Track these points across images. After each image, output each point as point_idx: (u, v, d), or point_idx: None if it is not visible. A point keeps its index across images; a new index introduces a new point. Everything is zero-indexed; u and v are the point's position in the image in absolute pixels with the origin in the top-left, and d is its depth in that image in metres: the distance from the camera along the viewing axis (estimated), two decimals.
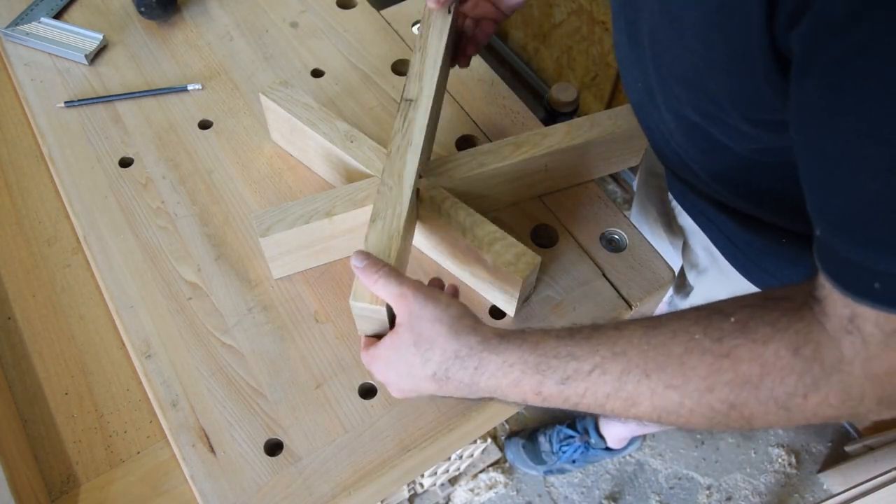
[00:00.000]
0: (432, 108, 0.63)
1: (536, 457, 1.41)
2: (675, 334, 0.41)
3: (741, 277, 0.67)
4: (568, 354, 0.44)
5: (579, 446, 1.40)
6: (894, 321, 0.34)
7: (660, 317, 0.43)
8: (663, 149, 0.61)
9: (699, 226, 0.69)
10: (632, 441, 1.42)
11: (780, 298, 0.40)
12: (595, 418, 1.40)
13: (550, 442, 1.41)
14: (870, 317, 0.35)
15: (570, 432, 1.41)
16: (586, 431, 1.40)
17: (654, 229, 0.84)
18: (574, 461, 1.41)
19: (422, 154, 0.61)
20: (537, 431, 1.44)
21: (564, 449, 1.40)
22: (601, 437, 1.39)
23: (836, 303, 0.36)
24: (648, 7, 0.47)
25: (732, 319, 0.40)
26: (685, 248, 0.80)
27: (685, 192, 0.68)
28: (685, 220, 0.74)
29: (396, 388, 0.51)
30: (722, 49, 0.40)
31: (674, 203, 0.76)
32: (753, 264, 0.65)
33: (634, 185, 0.93)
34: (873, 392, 0.37)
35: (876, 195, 0.32)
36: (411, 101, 0.63)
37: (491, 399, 0.48)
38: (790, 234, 0.58)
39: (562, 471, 1.43)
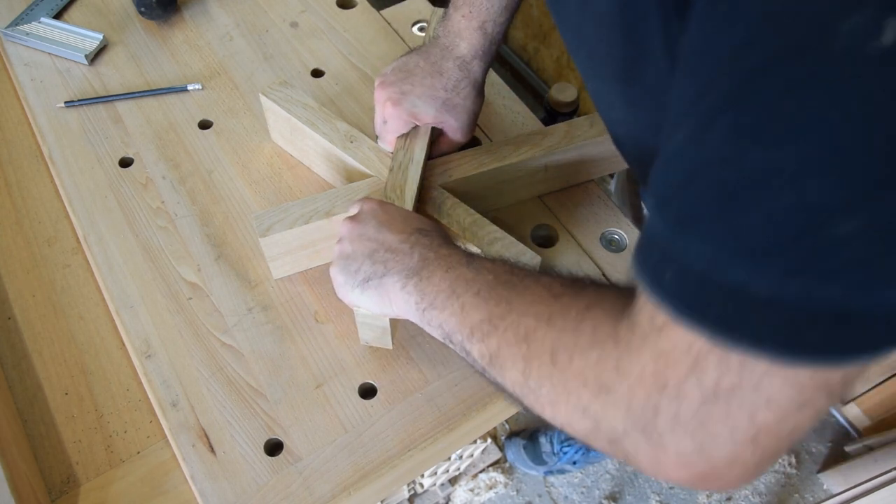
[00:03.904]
0: (432, 126, 0.65)
1: (537, 457, 1.41)
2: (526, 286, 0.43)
3: None
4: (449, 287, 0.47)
5: (580, 448, 1.40)
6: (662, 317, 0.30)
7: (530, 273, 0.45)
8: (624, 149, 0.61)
9: None
10: None
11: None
12: None
13: (551, 443, 1.41)
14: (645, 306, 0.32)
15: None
16: None
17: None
18: (575, 462, 1.41)
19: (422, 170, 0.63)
20: (538, 432, 1.44)
21: (565, 450, 1.40)
22: None
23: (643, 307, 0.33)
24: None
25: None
26: None
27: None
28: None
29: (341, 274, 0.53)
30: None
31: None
32: None
33: (612, 188, 0.93)
34: (629, 416, 0.33)
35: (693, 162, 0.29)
36: None
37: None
38: None
39: (562, 471, 1.43)
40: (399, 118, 0.64)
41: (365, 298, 0.52)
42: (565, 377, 0.37)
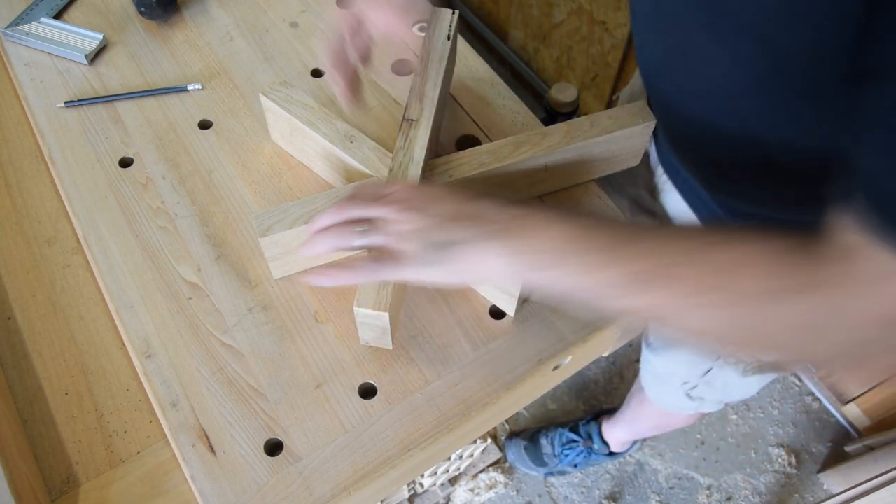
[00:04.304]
0: (432, 127, 0.65)
1: (538, 458, 1.41)
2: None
3: None
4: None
5: (582, 451, 1.39)
6: None
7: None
8: (682, 111, 0.58)
9: (689, 203, 0.68)
10: (633, 444, 1.42)
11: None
12: (599, 424, 1.40)
13: (552, 444, 1.41)
14: None
15: (574, 436, 1.41)
16: (590, 437, 1.40)
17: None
18: (576, 465, 1.41)
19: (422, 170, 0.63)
20: (539, 433, 1.44)
21: (566, 453, 1.40)
22: (604, 442, 1.39)
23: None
24: None
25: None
26: None
27: (679, 168, 0.67)
28: (670, 198, 0.72)
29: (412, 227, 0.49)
30: None
31: (661, 180, 0.73)
32: None
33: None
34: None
35: None
36: (412, 121, 0.65)
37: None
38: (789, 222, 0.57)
39: (562, 473, 1.43)
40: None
41: (441, 270, 0.48)
42: (767, 318, 0.40)
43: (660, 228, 0.46)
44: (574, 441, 1.40)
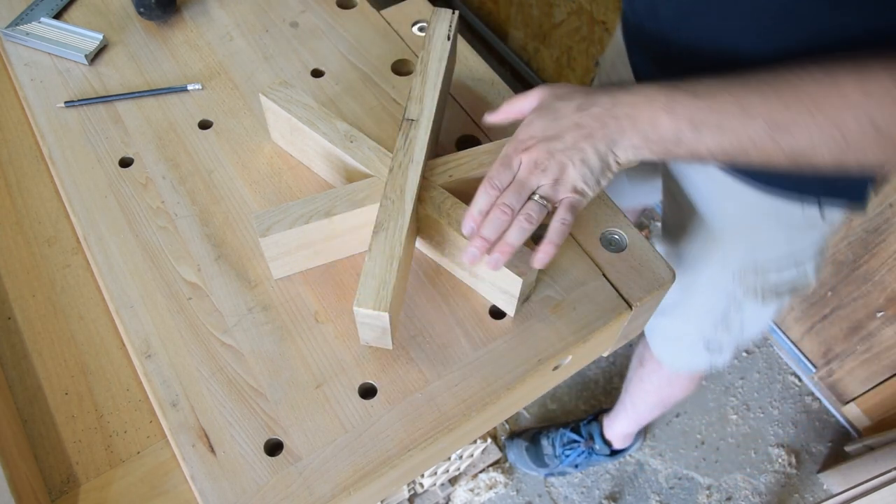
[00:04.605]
0: (432, 127, 0.66)
1: (539, 459, 1.41)
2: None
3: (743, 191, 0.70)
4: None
5: (583, 451, 1.40)
6: None
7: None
8: (683, 36, 0.62)
9: None
10: (635, 439, 1.42)
11: None
12: (600, 423, 1.40)
13: (553, 445, 1.41)
14: None
15: (575, 437, 1.41)
16: (591, 437, 1.40)
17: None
18: (577, 465, 1.41)
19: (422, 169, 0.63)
20: (540, 434, 1.44)
21: (568, 453, 1.40)
22: (606, 442, 1.39)
23: None
24: None
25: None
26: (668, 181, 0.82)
27: None
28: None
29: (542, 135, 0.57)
30: None
31: None
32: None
33: None
34: None
35: None
36: (413, 121, 0.65)
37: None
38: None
39: (563, 473, 1.43)
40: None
41: (607, 174, 0.57)
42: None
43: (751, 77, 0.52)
44: (575, 441, 1.40)
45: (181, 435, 0.57)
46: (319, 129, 0.67)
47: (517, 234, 0.56)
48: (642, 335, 1.07)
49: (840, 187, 0.68)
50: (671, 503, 1.41)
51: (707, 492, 1.42)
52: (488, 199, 0.58)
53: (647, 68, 0.72)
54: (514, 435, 1.47)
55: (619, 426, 1.35)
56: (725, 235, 0.77)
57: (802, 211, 0.70)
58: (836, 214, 0.72)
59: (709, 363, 0.94)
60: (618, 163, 0.57)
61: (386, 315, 0.55)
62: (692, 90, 0.53)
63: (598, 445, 1.39)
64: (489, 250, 0.57)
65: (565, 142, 0.56)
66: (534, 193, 0.57)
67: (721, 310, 0.84)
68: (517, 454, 1.43)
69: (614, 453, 1.42)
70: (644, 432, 1.47)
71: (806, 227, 0.73)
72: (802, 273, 0.79)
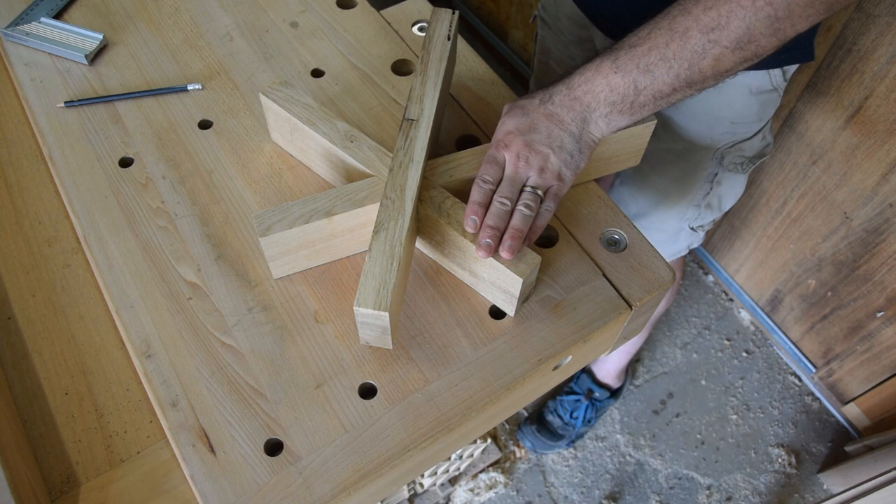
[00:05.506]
0: (432, 127, 0.66)
1: (553, 435, 1.44)
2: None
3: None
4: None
5: (587, 405, 1.43)
6: None
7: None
8: None
9: None
10: (627, 374, 1.50)
11: None
12: (590, 374, 1.46)
13: (559, 415, 1.44)
14: None
15: (574, 397, 1.45)
16: (589, 389, 1.43)
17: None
18: (590, 420, 1.45)
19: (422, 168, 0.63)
20: (542, 413, 1.46)
21: (576, 415, 1.43)
22: (602, 386, 1.44)
23: None
24: None
25: None
26: None
27: None
28: None
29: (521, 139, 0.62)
30: None
31: None
32: None
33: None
34: None
35: None
36: (413, 121, 0.66)
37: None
38: None
39: (581, 436, 1.46)
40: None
41: (586, 153, 0.64)
42: None
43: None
44: (577, 400, 1.43)
45: (181, 435, 0.57)
46: (319, 128, 0.67)
47: (521, 220, 0.60)
48: None
49: (792, 48, 0.75)
50: (671, 503, 1.41)
51: (707, 492, 1.42)
52: (483, 193, 0.61)
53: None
54: (519, 425, 1.48)
55: (609, 364, 1.41)
56: (712, 120, 0.85)
57: (769, 77, 0.80)
58: (789, 73, 0.82)
59: (687, 245, 1.03)
60: (594, 140, 0.64)
61: (386, 315, 0.55)
62: (628, 43, 0.60)
63: (597, 393, 1.44)
64: (500, 239, 0.60)
65: (540, 132, 0.62)
66: (525, 185, 0.62)
67: (704, 191, 0.93)
68: (533, 440, 1.45)
69: (615, 393, 1.47)
70: (632, 369, 1.53)
71: (770, 91, 0.82)
72: (766, 137, 0.90)
